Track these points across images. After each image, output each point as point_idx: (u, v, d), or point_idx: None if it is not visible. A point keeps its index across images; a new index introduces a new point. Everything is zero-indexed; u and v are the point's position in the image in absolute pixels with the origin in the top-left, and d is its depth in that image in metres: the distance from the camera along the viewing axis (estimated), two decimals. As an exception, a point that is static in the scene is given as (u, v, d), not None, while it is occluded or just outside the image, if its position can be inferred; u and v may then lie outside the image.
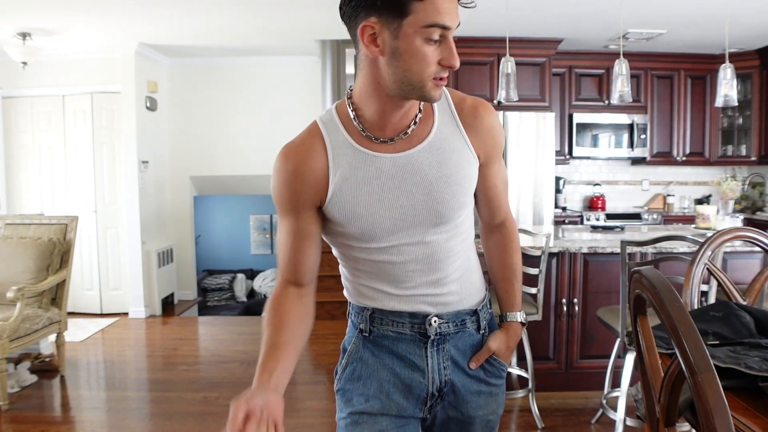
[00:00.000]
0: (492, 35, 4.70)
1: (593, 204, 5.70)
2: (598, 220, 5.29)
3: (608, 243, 3.23)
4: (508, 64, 3.78)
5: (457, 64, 0.99)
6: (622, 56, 3.58)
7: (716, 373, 0.70)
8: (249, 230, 8.65)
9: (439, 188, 1.09)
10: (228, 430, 0.90)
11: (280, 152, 1.10)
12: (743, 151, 5.48)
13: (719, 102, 3.67)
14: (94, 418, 3.16)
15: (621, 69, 3.55)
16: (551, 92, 5.07)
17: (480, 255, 1.27)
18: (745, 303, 1.44)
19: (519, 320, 1.28)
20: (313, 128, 1.11)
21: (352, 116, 1.08)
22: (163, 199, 5.82)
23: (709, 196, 5.83)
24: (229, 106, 5.88)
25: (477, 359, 1.20)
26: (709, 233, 2.26)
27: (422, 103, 1.10)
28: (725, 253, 2.85)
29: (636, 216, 5.40)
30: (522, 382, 3.36)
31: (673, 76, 5.45)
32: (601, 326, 3.01)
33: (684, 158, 5.54)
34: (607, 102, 5.34)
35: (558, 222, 5.21)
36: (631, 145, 5.39)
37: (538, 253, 2.83)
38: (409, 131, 1.09)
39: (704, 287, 2.21)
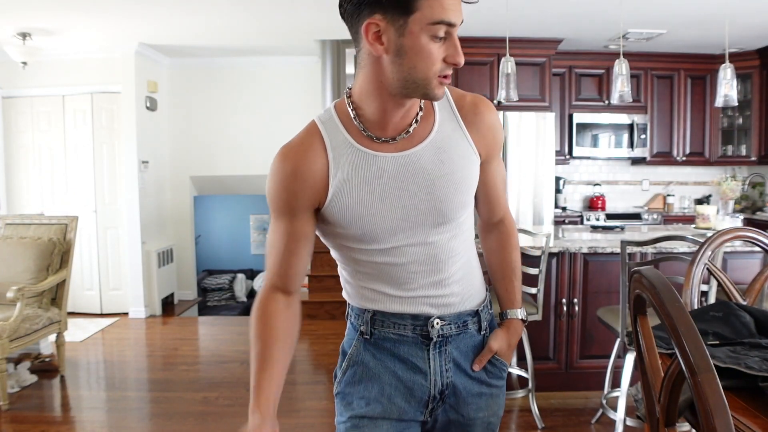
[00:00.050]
0: (492, 35, 4.70)
1: (593, 204, 5.70)
2: (598, 220, 5.29)
3: (608, 243, 3.23)
4: (508, 64, 3.78)
5: (462, 62, 0.99)
6: (622, 56, 3.58)
7: (716, 373, 0.70)
8: (249, 230, 8.65)
9: (441, 187, 1.07)
10: None
11: (278, 152, 1.08)
12: (743, 151, 5.48)
13: (719, 102, 3.67)
14: (94, 418, 3.16)
15: (621, 69, 3.55)
16: (551, 92, 5.07)
17: (479, 255, 1.27)
18: (745, 303, 1.44)
19: (520, 317, 1.27)
20: (311, 128, 1.09)
21: (352, 115, 1.06)
22: (163, 199, 5.82)
23: (709, 196, 5.83)
24: (229, 106, 5.89)
25: (480, 360, 1.18)
26: (709, 233, 2.26)
27: (422, 101, 1.09)
28: (725, 253, 2.85)
29: (636, 216, 5.40)
30: (522, 382, 3.36)
31: (673, 76, 5.45)
32: (601, 326, 3.01)
33: (684, 158, 5.54)
34: (607, 102, 5.34)
35: (558, 222, 5.21)
36: (631, 145, 5.39)
37: (538, 253, 2.83)
38: (410, 130, 1.07)
39: (704, 287, 2.21)
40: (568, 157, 5.47)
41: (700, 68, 5.43)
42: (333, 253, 1.18)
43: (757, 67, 5.25)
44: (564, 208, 5.61)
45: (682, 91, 5.46)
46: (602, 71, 5.34)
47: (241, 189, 6.47)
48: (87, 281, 5.43)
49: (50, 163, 5.44)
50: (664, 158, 5.54)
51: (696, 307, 1.51)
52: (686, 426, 2.03)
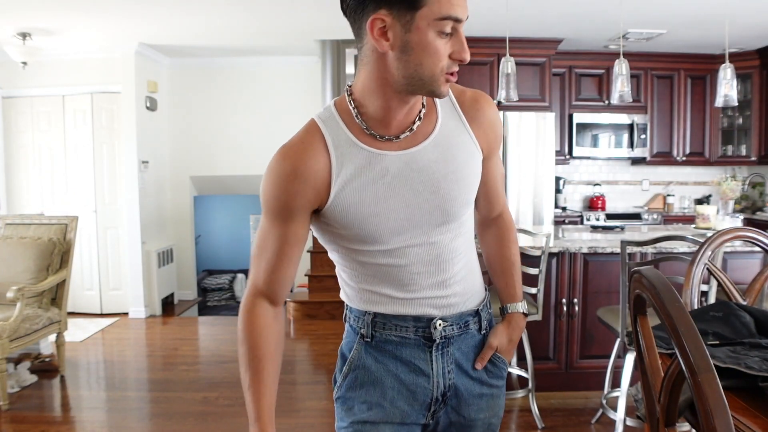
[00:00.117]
0: (492, 35, 4.69)
1: (593, 204, 5.70)
2: (598, 220, 5.29)
3: (608, 243, 3.23)
4: (508, 64, 3.78)
5: (468, 58, 0.97)
6: (622, 56, 3.58)
7: (716, 373, 0.70)
8: (249, 230, 8.64)
9: (446, 185, 1.06)
10: None
11: (276, 152, 1.05)
12: (743, 151, 5.48)
13: (719, 102, 3.67)
14: (94, 418, 3.16)
15: (621, 69, 3.55)
16: (551, 92, 5.07)
17: (479, 255, 1.26)
18: (745, 303, 1.44)
19: (520, 311, 1.26)
20: (311, 126, 1.06)
21: (354, 113, 1.04)
22: (163, 199, 5.82)
23: (709, 196, 5.83)
24: (229, 106, 5.89)
25: (481, 359, 1.17)
26: (709, 233, 2.26)
27: (425, 97, 1.08)
28: (725, 253, 2.85)
29: (636, 216, 5.40)
30: (522, 382, 3.35)
31: (673, 76, 5.45)
32: (601, 326, 3.01)
33: (684, 158, 5.54)
34: (607, 102, 5.34)
35: (558, 222, 5.21)
36: (631, 145, 5.40)
37: (538, 253, 2.83)
38: (414, 127, 1.06)
39: (704, 287, 2.21)
40: (568, 157, 5.47)
41: (700, 68, 5.44)
42: (332, 255, 1.16)
43: (757, 67, 5.26)
44: (564, 208, 5.61)
45: (682, 91, 5.46)
46: (602, 71, 5.34)
47: (241, 189, 6.47)
48: (87, 281, 5.43)
49: (50, 163, 5.44)
50: (664, 158, 5.54)
51: (696, 307, 1.50)
52: (686, 426, 2.03)
